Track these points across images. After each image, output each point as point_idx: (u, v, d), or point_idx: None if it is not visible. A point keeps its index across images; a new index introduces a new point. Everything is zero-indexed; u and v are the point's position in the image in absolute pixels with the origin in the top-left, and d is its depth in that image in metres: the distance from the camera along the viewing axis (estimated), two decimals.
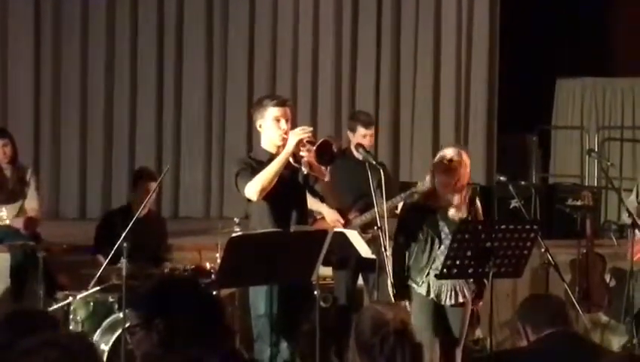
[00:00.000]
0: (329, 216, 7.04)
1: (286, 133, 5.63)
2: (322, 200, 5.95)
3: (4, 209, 5.65)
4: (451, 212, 6.01)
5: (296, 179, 5.66)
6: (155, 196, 7.41)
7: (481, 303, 6.19)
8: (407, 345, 3.66)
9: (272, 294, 5.39)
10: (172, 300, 3.56)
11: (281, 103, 5.75)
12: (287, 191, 5.57)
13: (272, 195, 5.51)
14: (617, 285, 8.48)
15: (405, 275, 5.99)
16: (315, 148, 5.41)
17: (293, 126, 5.72)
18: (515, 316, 4.30)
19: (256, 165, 5.60)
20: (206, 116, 10.87)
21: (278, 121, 5.66)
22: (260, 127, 5.71)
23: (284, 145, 5.58)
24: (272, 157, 5.62)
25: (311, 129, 5.68)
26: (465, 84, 11.30)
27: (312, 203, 6.89)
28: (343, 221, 6.99)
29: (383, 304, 4.50)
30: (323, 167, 5.58)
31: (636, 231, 7.10)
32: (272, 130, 5.67)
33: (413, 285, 5.99)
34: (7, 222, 5.77)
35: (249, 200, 5.62)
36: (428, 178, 6.06)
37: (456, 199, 6.03)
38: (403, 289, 5.96)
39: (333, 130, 10.52)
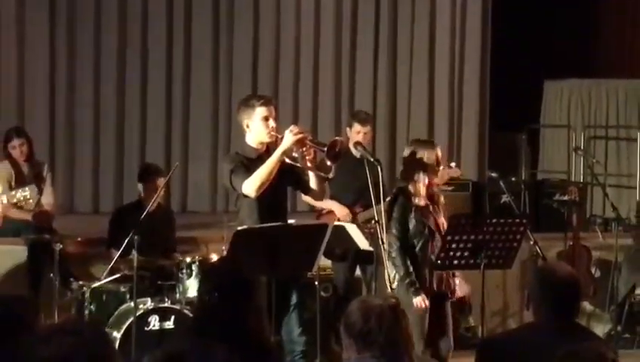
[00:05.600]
0: (339, 210, 7.06)
1: (273, 130, 5.62)
2: (307, 189, 5.88)
3: (27, 189, 5.57)
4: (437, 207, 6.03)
5: (283, 175, 5.60)
6: (165, 191, 7.40)
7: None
8: (401, 320, 3.68)
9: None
10: (205, 286, 3.65)
11: (268, 103, 5.74)
12: (275, 187, 5.56)
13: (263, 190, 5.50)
14: (602, 276, 8.50)
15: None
16: (326, 148, 5.43)
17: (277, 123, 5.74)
18: (528, 283, 4.20)
19: (247, 162, 5.59)
20: (213, 116, 10.87)
21: (266, 120, 5.65)
22: (248, 126, 5.69)
23: (273, 143, 5.57)
24: (259, 154, 5.61)
25: (305, 129, 5.70)
26: (458, 85, 11.30)
27: (324, 202, 6.92)
28: (352, 216, 7.03)
29: (365, 297, 4.50)
30: (328, 164, 5.58)
31: None
32: (261, 128, 5.64)
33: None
34: (31, 201, 5.69)
35: (239, 196, 5.60)
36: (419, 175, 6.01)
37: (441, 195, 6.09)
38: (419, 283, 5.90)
39: (333, 128, 10.52)
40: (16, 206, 5.88)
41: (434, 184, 6.06)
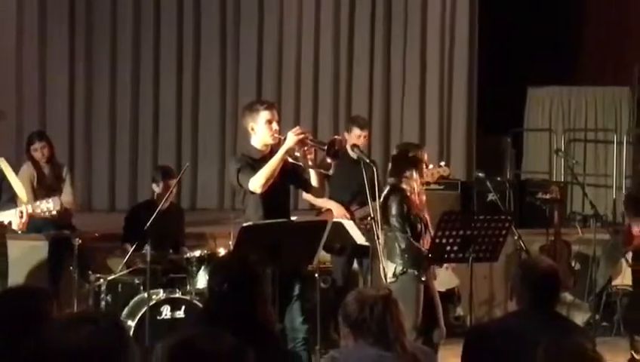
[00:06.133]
0: (337, 210, 7.05)
1: (276, 132, 5.62)
2: (308, 187, 5.87)
3: (50, 201, 5.59)
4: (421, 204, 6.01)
5: (285, 174, 5.60)
6: (176, 190, 7.39)
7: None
8: (393, 309, 3.67)
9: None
10: (214, 279, 3.66)
11: (271, 107, 5.73)
12: (279, 186, 5.55)
13: (267, 188, 5.49)
14: (581, 268, 8.50)
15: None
16: (327, 146, 5.43)
17: (279, 124, 5.72)
18: (511, 274, 4.21)
19: (252, 162, 5.58)
20: (220, 120, 10.89)
21: (269, 123, 5.62)
22: (252, 129, 5.66)
23: (276, 145, 5.56)
24: (263, 154, 5.60)
25: (307, 130, 5.69)
26: (447, 92, 11.31)
27: (323, 201, 6.91)
28: (348, 215, 7.01)
29: (360, 289, 4.49)
30: (328, 161, 5.58)
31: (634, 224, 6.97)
32: (265, 131, 5.61)
33: (411, 270, 5.88)
34: (54, 213, 5.71)
35: (245, 193, 5.60)
36: (410, 174, 5.96)
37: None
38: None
39: (332, 131, 10.51)
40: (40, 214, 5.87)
41: (421, 182, 6.04)
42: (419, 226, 5.90)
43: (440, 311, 6.05)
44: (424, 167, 6.02)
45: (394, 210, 5.86)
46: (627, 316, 7.81)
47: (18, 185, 5.90)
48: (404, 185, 5.91)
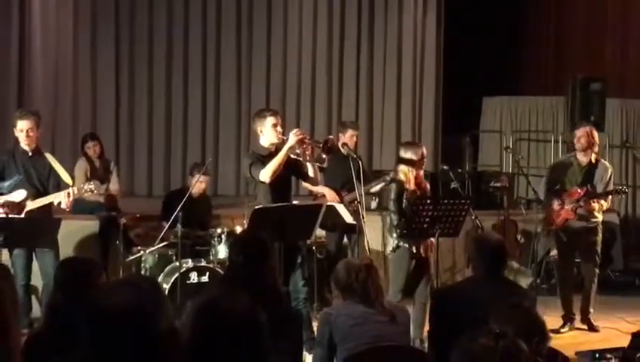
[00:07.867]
0: (329, 194, 7.05)
1: (280, 134, 5.61)
2: (306, 177, 5.83)
3: (92, 183, 5.68)
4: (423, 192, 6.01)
5: (288, 167, 5.57)
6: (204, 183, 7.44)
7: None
8: (374, 274, 3.70)
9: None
10: (233, 250, 3.67)
11: (276, 114, 5.73)
12: (283, 176, 5.55)
13: (274, 178, 5.50)
14: (525, 242, 8.52)
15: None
16: (322, 144, 5.44)
17: (282, 127, 5.72)
18: (469, 247, 4.23)
19: (261, 158, 5.58)
20: (236, 123, 10.87)
21: (275, 126, 5.62)
22: (261, 131, 5.65)
23: (281, 144, 5.56)
24: (270, 151, 5.59)
25: (305, 131, 5.70)
26: (418, 101, 11.33)
27: (319, 188, 6.90)
28: (339, 199, 7.02)
29: (348, 259, 4.52)
30: (323, 156, 5.58)
31: (554, 201, 6.97)
32: (271, 133, 5.60)
33: (403, 244, 5.88)
34: (95, 192, 5.80)
35: (256, 183, 5.59)
36: (401, 168, 5.96)
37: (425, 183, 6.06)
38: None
39: (326, 132, 10.52)
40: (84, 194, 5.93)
41: (421, 176, 6.02)
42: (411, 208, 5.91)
43: (428, 277, 6.04)
44: (421, 161, 5.97)
45: (392, 195, 5.92)
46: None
47: (63, 172, 5.93)
48: (400, 177, 5.91)
